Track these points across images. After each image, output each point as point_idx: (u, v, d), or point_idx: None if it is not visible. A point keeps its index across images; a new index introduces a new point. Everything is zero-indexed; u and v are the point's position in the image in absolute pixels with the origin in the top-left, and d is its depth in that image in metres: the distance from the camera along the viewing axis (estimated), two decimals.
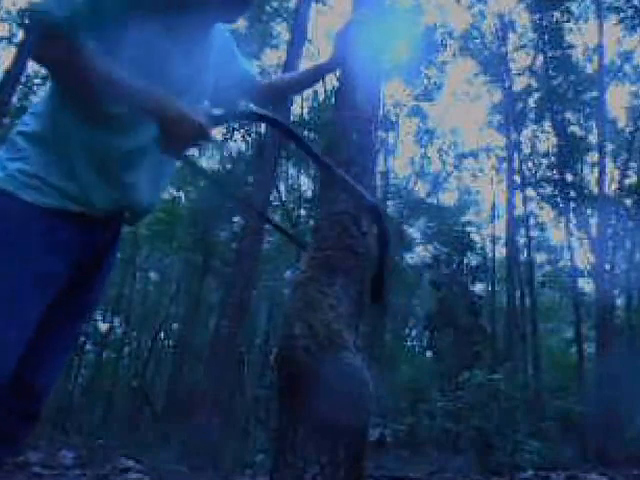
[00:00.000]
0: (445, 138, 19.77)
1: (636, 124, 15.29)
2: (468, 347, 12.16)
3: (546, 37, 14.74)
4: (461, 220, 17.91)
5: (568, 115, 15.46)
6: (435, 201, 19.93)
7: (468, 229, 16.12)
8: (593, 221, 14.05)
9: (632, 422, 10.94)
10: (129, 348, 20.64)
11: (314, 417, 1.11)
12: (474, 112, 39.00)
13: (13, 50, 9.65)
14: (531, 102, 16.46)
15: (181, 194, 18.31)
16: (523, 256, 16.75)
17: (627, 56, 15.38)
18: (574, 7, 14.79)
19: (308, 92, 15.08)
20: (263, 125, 13.52)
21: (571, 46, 14.96)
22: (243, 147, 16.26)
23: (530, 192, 16.32)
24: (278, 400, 1.21)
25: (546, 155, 16.15)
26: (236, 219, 15.28)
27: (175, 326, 20.11)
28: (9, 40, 13.27)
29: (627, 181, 14.99)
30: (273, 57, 17.13)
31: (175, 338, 19.21)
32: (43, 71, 13.88)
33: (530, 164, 16.66)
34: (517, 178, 16.36)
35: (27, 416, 1.27)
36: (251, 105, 1.56)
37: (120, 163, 1.24)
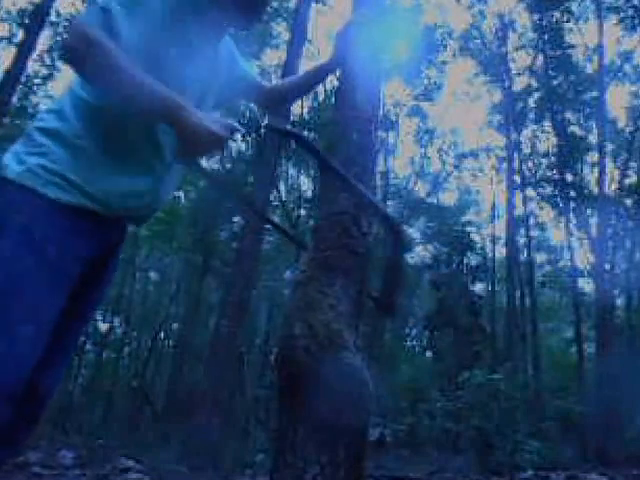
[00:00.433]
0: (445, 138, 19.81)
1: (636, 124, 15.29)
2: (468, 347, 12.15)
3: (546, 37, 14.74)
4: (461, 220, 17.91)
5: (568, 115, 15.46)
6: (435, 201, 19.95)
7: (468, 229, 16.10)
8: (593, 221, 14.06)
9: (632, 422, 10.94)
10: (129, 348, 20.65)
11: (314, 417, 1.11)
12: (474, 112, 39.07)
13: (13, 50, 9.65)
14: (531, 102, 16.46)
15: (181, 194, 18.32)
16: (523, 256, 16.77)
17: (627, 56, 15.37)
18: (574, 7, 14.78)
19: None
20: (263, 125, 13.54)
21: (571, 46, 14.96)
22: (243, 147, 16.28)
23: (530, 192, 16.35)
24: (278, 400, 1.21)
25: (546, 155, 16.16)
26: (236, 219, 15.29)
27: (175, 326, 20.11)
28: (9, 40, 13.28)
29: (627, 181, 14.99)
30: (273, 57, 17.19)
31: (175, 338, 19.20)
32: (43, 71, 13.91)
33: (530, 164, 16.68)
34: (517, 178, 16.37)
35: (30, 418, 1.27)
36: (277, 119, 1.57)
37: (138, 168, 1.26)
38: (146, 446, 8.93)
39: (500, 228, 19.26)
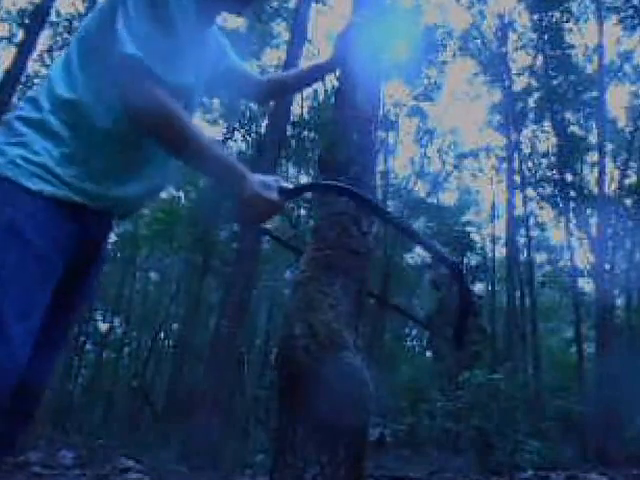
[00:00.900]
0: (445, 138, 19.82)
1: (636, 124, 15.29)
2: (468, 347, 12.14)
3: (546, 37, 14.75)
4: (461, 220, 17.92)
5: (568, 115, 15.46)
6: (435, 201, 19.94)
7: (468, 229, 16.12)
8: (593, 221, 14.06)
9: (632, 422, 10.93)
10: (129, 348, 20.65)
11: (314, 417, 1.11)
12: (474, 112, 39.08)
13: (13, 50, 9.65)
14: (531, 102, 16.46)
15: (181, 194, 18.32)
16: (523, 256, 16.76)
17: (627, 56, 15.38)
18: (574, 7, 14.80)
19: (308, 91, 15.10)
20: (263, 125, 13.54)
21: (571, 46, 14.96)
22: (243, 147, 16.27)
23: (530, 192, 16.35)
24: (278, 400, 1.21)
25: (546, 155, 16.16)
26: None
27: (175, 326, 20.12)
28: (9, 40, 13.28)
29: (627, 181, 15.00)
30: (273, 57, 17.17)
31: (175, 338, 19.20)
32: (43, 71, 13.90)
33: (530, 164, 16.67)
34: (517, 178, 16.37)
35: (24, 415, 1.26)
36: (333, 182, 1.50)
37: (129, 166, 1.25)
38: (146, 446, 8.93)
39: (500, 228, 19.29)
